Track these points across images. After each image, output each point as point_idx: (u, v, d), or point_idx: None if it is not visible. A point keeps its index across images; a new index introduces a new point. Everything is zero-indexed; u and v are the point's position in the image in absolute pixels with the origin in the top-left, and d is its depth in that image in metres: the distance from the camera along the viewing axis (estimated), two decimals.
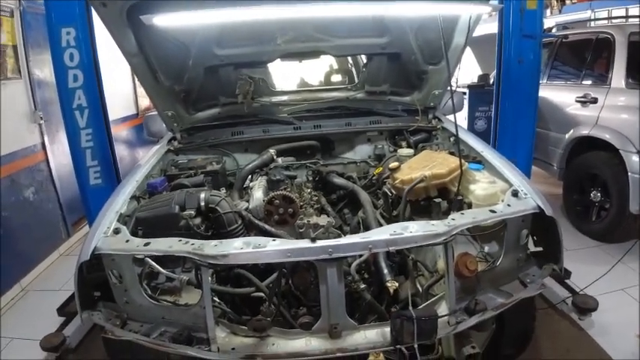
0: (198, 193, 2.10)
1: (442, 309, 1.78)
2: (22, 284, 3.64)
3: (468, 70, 5.62)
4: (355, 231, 2.30)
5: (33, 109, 3.95)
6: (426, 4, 2.16)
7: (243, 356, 1.67)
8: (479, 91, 5.51)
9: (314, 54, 2.94)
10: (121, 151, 4.98)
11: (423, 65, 2.86)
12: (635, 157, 3.41)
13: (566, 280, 3.11)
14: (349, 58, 4.13)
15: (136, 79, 5.85)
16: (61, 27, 3.10)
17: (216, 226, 2.09)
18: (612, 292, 3.04)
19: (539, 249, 2.14)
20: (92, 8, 2.57)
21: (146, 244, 1.76)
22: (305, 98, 3.19)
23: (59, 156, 4.25)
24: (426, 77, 2.95)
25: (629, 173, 3.44)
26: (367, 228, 2.20)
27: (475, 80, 5.79)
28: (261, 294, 1.85)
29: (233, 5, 1.97)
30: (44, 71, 4.11)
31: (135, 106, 6.17)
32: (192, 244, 1.72)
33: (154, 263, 1.80)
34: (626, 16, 6.62)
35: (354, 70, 4.07)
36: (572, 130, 4.07)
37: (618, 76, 3.72)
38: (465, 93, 5.42)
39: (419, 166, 2.26)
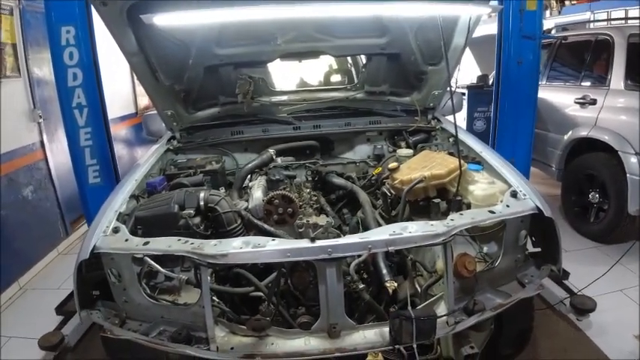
0: (198, 192, 2.10)
1: (441, 309, 1.78)
2: (20, 283, 3.63)
3: (467, 71, 5.63)
4: (354, 231, 2.30)
5: (32, 108, 3.95)
6: (426, 4, 2.17)
7: (242, 356, 1.66)
8: (478, 92, 5.51)
9: (314, 54, 2.94)
10: (119, 150, 4.98)
11: (422, 66, 2.86)
12: (633, 159, 3.42)
13: (565, 281, 3.11)
14: (349, 59, 4.13)
15: (136, 78, 5.86)
16: (61, 25, 3.10)
17: (216, 226, 2.09)
18: (610, 293, 3.05)
19: (538, 250, 2.15)
20: (92, 7, 2.57)
21: (145, 244, 1.76)
22: (304, 98, 3.19)
23: (58, 154, 4.25)
24: (425, 78, 2.95)
25: (628, 174, 3.45)
26: (366, 228, 2.20)
27: (474, 81, 5.80)
28: (260, 294, 1.85)
29: (233, 5, 1.97)
30: (43, 70, 4.11)
31: (134, 105, 6.16)
32: (192, 243, 1.72)
33: (153, 262, 1.79)
34: (626, 18, 6.63)
35: (353, 70, 4.07)
36: (570, 132, 4.07)
37: (617, 77, 3.73)
38: (464, 93, 5.43)
39: (418, 167, 2.26)
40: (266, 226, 2.10)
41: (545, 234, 2.06)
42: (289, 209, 2.12)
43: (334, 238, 1.76)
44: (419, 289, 1.95)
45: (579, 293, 2.90)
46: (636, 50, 3.69)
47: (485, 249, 2.06)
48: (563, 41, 4.56)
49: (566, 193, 4.24)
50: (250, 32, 2.56)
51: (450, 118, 3.07)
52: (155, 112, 2.89)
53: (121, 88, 5.81)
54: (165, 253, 1.75)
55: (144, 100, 6.26)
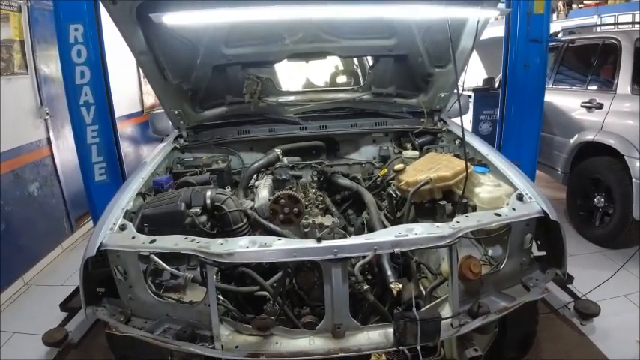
0: (204, 191, 2.12)
1: (445, 311, 1.78)
2: (24, 279, 3.65)
3: (473, 73, 5.62)
4: (359, 232, 2.31)
5: (39, 105, 3.97)
6: (435, 7, 2.16)
7: (247, 354, 1.67)
8: (484, 95, 5.50)
9: (321, 55, 2.95)
10: (125, 148, 4.99)
11: (429, 68, 2.86)
12: (639, 164, 3.40)
13: (569, 285, 3.11)
14: (355, 60, 4.14)
15: (143, 76, 5.89)
16: (69, 23, 3.12)
17: (222, 225, 2.10)
18: (614, 298, 3.03)
19: (543, 253, 2.14)
20: (100, 5, 2.59)
21: (152, 241, 1.77)
22: (311, 99, 3.20)
23: (64, 152, 4.27)
24: (432, 80, 2.95)
25: (634, 179, 3.44)
26: (371, 229, 2.20)
27: (480, 83, 5.79)
28: (265, 293, 1.86)
29: (242, 5, 1.98)
30: (51, 67, 4.13)
31: (140, 103, 6.18)
32: (198, 241, 1.73)
33: (159, 260, 1.81)
34: (633, 22, 6.60)
35: (359, 71, 4.08)
36: (576, 135, 4.06)
37: (624, 82, 3.72)
38: (470, 96, 5.43)
39: (424, 169, 2.27)
40: (272, 225, 2.10)
41: (550, 238, 2.06)
42: (295, 209, 2.13)
43: (340, 238, 1.76)
44: (423, 291, 1.96)
45: (583, 297, 2.90)
46: None
47: (490, 252, 2.06)
48: (569, 45, 4.55)
49: (571, 197, 4.23)
50: (258, 32, 2.58)
51: (456, 120, 3.07)
52: (162, 110, 2.90)
53: (127, 86, 5.84)
54: (172, 251, 1.76)
55: (150, 99, 6.29)
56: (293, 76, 4.38)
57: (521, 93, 3.69)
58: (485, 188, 2.15)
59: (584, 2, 9.07)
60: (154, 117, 3.30)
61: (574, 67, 4.56)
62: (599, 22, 7.19)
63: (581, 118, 4.06)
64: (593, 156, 3.93)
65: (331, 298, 1.70)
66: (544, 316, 2.76)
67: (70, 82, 3.26)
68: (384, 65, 2.95)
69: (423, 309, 1.78)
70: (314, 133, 2.94)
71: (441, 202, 2.15)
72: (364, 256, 1.77)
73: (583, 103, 4.04)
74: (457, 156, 2.51)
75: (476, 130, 5.41)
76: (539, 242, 2.12)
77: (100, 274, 1.88)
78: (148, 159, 2.64)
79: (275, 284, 1.84)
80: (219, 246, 1.68)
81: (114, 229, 1.88)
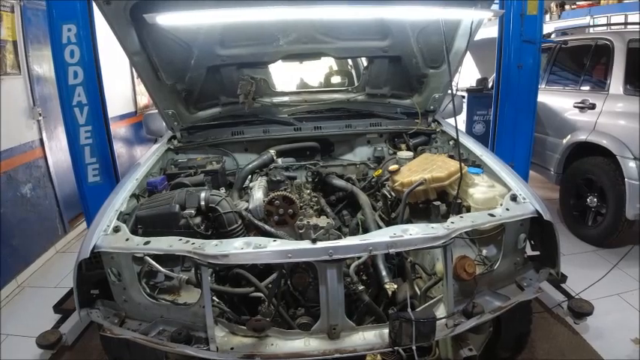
0: (199, 192, 2.11)
1: (440, 311, 1.79)
2: (18, 281, 3.62)
3: (466, 74, 5.64)
4: (354, 233, 2.32)
5: (32, 105, 3.94)
6: (429, 8, 2.17)
7: (242, 356, 1.67)
8: (477, 95, 5.53)
9: (315, 55, 2.95)
10: (118, 149, 4.97)
11: (423, 69, 2.87)
12: (632, 164, 3.44)
13: (562, 285, 3.13)
14: (349, 60, 4.14)
15: (136, 77, 5.86)
16: (62, 23, 3.10)
17: (216, 226, 2.09)
18: (608, 297, 3.06)
19: (537, 253, 2.16)
20: (94, 5, 2.57)
21: (146, 243, 1.76)
22: (305, 99, 3.20)
23: (57, 153, 4.25)
24: (426, 81, 2.96)
25: (626, 179, 3.47)
26: (366, 230, 2.21)
27: (473, 84, 5.82)
28: (260, 294, 1.86)
29: (236, 6, 1.98)
30: (43, 67, 4.11)
31: (133, 104, 6.15)
32: (193, 243, 1.72)
33: (153, 262, 1.80)
34: (625, 23, 6.66)
35: (353, 72, 4.08)
36: (569, 136, 4.09)
37: (617, 82, 3.75)
38: (463, 97, 5.45)
39: (419, 169, 2.27)
40: (267, 226, 2.10)
41: (544, 237, 2.07)
42: (290, 210, 2.13)
43: (335, 239, 1.76)
44: (418, 292, 1.97)
45: (577, 297, 2.92)
46: (636, 55, 3.71)
47: (484, 252, 2.07)
48: (562, 46, 4.58)
49: (564, 197, 4.26)
50: (253, 33, 2.57)
51: (450, 120, 3.09)
52: (156, 111, 2.89)
53: (120, 86, 5.81)
54: (166, 253, 1.75)
55: (143, 99, 6.26)
56: (287, 77, 4.38)
57: (515, 93, 3.71)
58: (480, 189, 2.16)
59: (577, 3, 9.13)
60: (148, 118, 3.28)
61: (567, 68, 4.60)
62: (591, 23, 7.24)
63: (574, 119, 4.09)
64: (585, 156, 3.96)
65: (326, 299, 1.70)
66: (538, 316, 2.79)
67: (63, 83, 3.24)
68: (379, 66, 2.96)
69: (417, 309, 1.79)
70: (308, 133, 2.94)
71: (435, 203, 2.15)
72: (359, 257, 1.78)
73: (576, 103, 4.07)
74: (451, 156, 2.52)
75: (469, 131, 5.43)
76: (532, 242, 2.14)
77: (94, 276, 1.87)
78: (142, 160, 2.63)
79: (270, 285, 1.84)
80: (213, 247, 1.68)
81: (108, 230, 1.86)
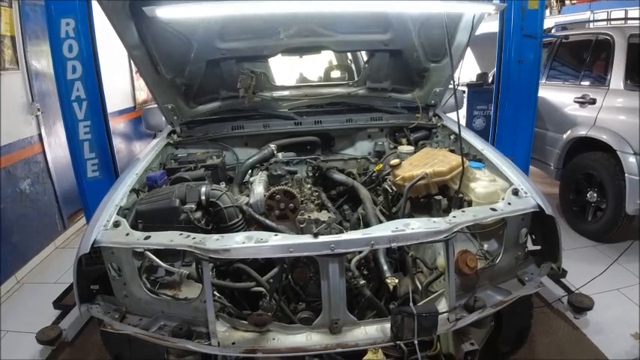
0: (199, 186, 2.10)
1: (442, 306, 1.79)
2: (17, 277, 3.62)
3: (466, 69, 5.63)
4: (355, 227, 2.31)
5: (30, 101, 3.92)
6: (431, 2, 2.16)
7: (244, 351, 1.67)
8: (477, 90, 5.52)
9: (316, 49, 2.93)
10: (117, 144, 4.95)
11: (424, 63, 2.86)
12: (632, 159, 3.43)
13: (562, 279, 3.13)
14: (348, 54, 4.12)
15: (135, 71, 5.84)
16: (61, 18, 3.06)
17: (217, 221, 2.08)
18: (607, 292, 3.06)
19: (537, 247, 2.15)
20: None
21: (146, 238, 1.75)
22: (306, 94, 3.19)
23: (56, 148, 4.23)
24: (427, 75, 2.95)
25: (626, 174, 3.47)
26: (367, 224, 2.21)
27: (473, 79, 5.81)
28: (261, 289, 1.85)
29: None
30: (42, 62, 4.08)
31: (132, 99, 6.13)
32: (194, 238, 1.71)
33: (153, 257, 1.79)
34: (625, 18, 6.64)
35: (353, 66, 4.07)
36: (569, 131, 4.08)
37: (617, 77, 3.74)
38: (464, 91, 5.44)
39: (420, 164, 2.26)
40: (267, 221, 2.10)
41: (545, 232, 2.07)
42: (291, 205, 2.12)
43: (337, 234, 1.76)
44: (419, 286, 1.96)
45: (577, 291, 2.92)
46: (636, 50, 3.70)
47: (485, 246, 2.06)
48: (563, 40, 4.56)
49: (564, 192, 4.25)
50: (253, 26, 2.55)
51: (450, 115, 3.08)
52: (155, 105, 2.87)
53: (119, 81, 5.78)
54: (167, 248, 1.74)
55: (142, 94, 6.24)
56: (286, 72, 4.36)
57: (516, 88, 3.69)
58: (481, 183, 2.15)
59: None
60: (147, 112, 3.26)
61: (567, 63, 4.58)
62: (591, 18, 7.22)
63: (574, 114, 4.08)
64: (586, 151, 3.96)
65: (328, 294, 1.70)
66: (538, 310, 2.79)
67: (62, 78, 3.21)
68: (380, 60, 2.94)
69: (419, 304, 1.78)
70: (309, 128, 2.93)
71: (436, 197, 2.14)
72: (360, 252, 1.77)
73: (576, 98, 4.06)
74: (452, 151, 2.52)
75: (469, 126, 5.43)
76: (533, 237, 2.14)
77: (94, 272, 1.86)
78: (142, 155, 2.62)
79: (271, 280, 1.83)
80: (215, 242, 1.67)
81: (108, 225, 1.85)
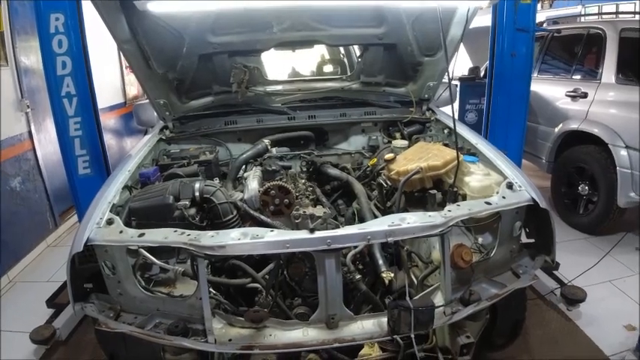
0: (193, 183, 2.08)
1: (437, 299, 1.80)
2: (9, 276, 3.57)
3: (458, 63, 5.63)
4: (350, 222, 2.31)
5: (20, 98, 3.86)
6: None
7: (241, 347, 1.66)
8: (470, 84, 5.53)
9: (309, 43, 2.92)
10: (107, 140, 4.89)
11: (418, 57, 2.85)
12: (623, 152, 3.46)
13: (555, 272, 3.16)
14: (341, 49, 4.11)
15: (126, 66, 5.77)
16: (50, 13, 3.01)
17: (211, 217, 2.07)
18: (600, 284, 3.10)
19: (531, 240, 2.17)
20: None
21: (140, 235, 1.74)
22: (299, 88, 3.17)
23: (46, 145, 4.18)
24: (421, 69, 2.94)
25: (618, 167, 3.50)
26: (362, 219, 2.21)
27: (466, 73, 5.81)
28: (256, 285, 1.84)
29: None
30: (31, 58, 4.02)
31: (122, 94, 6.06)
32: (189, 234, 1.70)
33: (148, 254, 1.77)
34: (617, 12, 6.68)
35: (346, 60, 4.05)
36: (561, 124, 4.11)
37: (609, 71, 3.76)
38: (456, 85, 5.44)
39: (414, 158, 2.26)
40: (262, 217, 2.09)
41: (539, 225, 2.08)
42: (286, 200, 2.11)
43: (333, 229, 1.75)
44: (414, 280, 1.97)
45: (569, 284, 2.95)
46: (628, 45, 3.72)
47: (480, 240, 2.07)
48: (555, 34, 4.58)
49: (555, 185, 4.28)
50: (246, 20, 2.52)
51: (444, 109, 3.08)
52: (146, 101, 2.84)
53: (109, 77, 5.72)
54: (161, 245, 1.73)
55: (132, 90, 6.17)
56: (279, 66, 4.32)
57: (508, 82, 3.70)
58: (475, 177, 2.16)
59: None
60: (139, 108, 3.23)
61: (559, 57, 4.60)
62: (583, 12, 7.26)
63: (565, 107, 4.11)
64: (577, 145, 3.99)
65: (325, 289, 1.69)
66: (531, 302, 2.81)
67: (51, 73, 3.16)
68: (373, 54, 2.93)
69: (415, 298, 1.79)
70: (302, 122, 2.92)
71: (431, 192, 2.15)
72: (355, 246, 1.77)
73: (568, 92, 4.08)
74: (446, 145, 2.52)
75: (461, 120, 5.44)
76: (527, 230, 2.15)
77: (88, 270, 1.84)
78: (134, 151, 2.58)
79: (267, 276, 1.82)
80: (210, 239, 1.65)
81: (101, 223, 1.83)
